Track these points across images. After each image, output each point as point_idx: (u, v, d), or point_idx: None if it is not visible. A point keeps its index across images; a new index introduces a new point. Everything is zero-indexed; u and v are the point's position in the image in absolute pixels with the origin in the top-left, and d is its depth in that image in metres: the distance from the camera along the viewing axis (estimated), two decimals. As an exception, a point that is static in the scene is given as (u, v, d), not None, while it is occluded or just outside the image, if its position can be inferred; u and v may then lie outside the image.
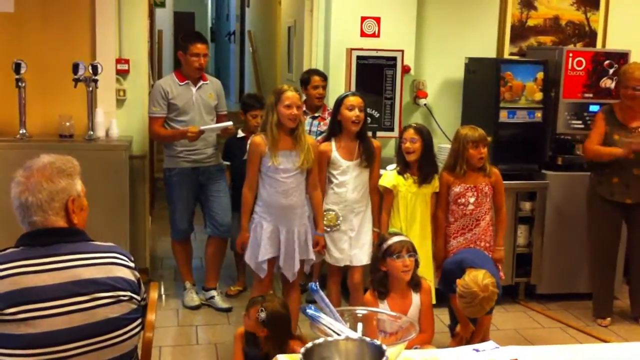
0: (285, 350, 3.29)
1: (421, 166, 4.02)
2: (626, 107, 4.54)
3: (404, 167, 4.02)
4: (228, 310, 4.75)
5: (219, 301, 4.82)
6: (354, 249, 4.03)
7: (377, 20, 5.18)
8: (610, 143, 4.53)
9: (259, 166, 3.85)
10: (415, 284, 3.44)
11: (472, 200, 3.99)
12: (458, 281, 3.30)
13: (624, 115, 4.55)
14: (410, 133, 3.98)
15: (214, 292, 4.86)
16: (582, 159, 4.90)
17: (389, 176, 4.05)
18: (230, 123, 4.67)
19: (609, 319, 4.70)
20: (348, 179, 4.00)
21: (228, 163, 4.97)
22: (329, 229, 4.01)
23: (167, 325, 4.50)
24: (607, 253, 4.72)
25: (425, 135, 4.02)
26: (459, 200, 4.01)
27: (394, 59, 5.08)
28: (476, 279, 3.23)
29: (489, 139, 4.03)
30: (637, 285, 4.78)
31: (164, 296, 5.00)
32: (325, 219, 4.00)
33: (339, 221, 4.00)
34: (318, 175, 3.96)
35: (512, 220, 4.88)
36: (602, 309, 4.75)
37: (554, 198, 4.97)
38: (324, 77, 4.92)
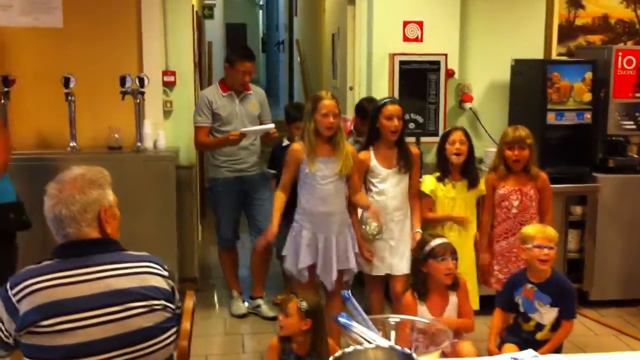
0: (326, 346, 3.26)
1: (467, 169, 3.96)
2: None
3: (444, 173, 3.96)
4: (274, 319, 4.73)
5: (266, 310, 4.84)
6: (394, 257, 3.98)
7: (420, 24, 5.13)
8: None
9: (294, 172, 3.85)
10: (453, 285, 3.42)
11: (515, 203, 3.90)
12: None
13: None
14: (460, 135, 3.92)
15: (260, 301, 4.88)
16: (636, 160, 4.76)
17: (428, 181, 4.00)
18: (272, 125, 4.66)
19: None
20: (387, 187, 3.95)
21: (274, 172, 4.98)
22: (371, 237, 3.95)
23: (214, 334, 4.54)
24: None
25: (469, 138, 3.98)
26: (503, 203, 3.93)
27: (438, 63, 5.04)
28: None
29: (529, 141, 3.88)
30: None
31: (217, 305, 5.06)
32: (368, 227, 3.93)
33: (381, 232, 3.93)
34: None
35: (563, 225, 4.75)
36: None
37: (605, 201, 4.84)
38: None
